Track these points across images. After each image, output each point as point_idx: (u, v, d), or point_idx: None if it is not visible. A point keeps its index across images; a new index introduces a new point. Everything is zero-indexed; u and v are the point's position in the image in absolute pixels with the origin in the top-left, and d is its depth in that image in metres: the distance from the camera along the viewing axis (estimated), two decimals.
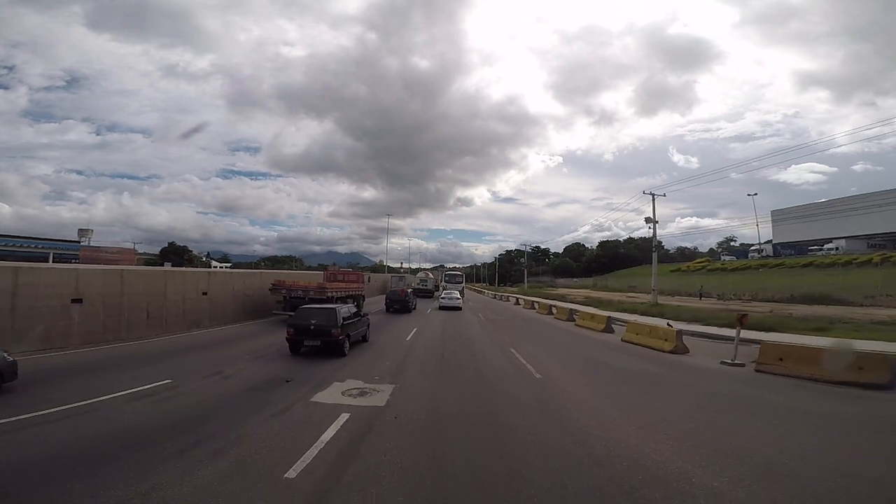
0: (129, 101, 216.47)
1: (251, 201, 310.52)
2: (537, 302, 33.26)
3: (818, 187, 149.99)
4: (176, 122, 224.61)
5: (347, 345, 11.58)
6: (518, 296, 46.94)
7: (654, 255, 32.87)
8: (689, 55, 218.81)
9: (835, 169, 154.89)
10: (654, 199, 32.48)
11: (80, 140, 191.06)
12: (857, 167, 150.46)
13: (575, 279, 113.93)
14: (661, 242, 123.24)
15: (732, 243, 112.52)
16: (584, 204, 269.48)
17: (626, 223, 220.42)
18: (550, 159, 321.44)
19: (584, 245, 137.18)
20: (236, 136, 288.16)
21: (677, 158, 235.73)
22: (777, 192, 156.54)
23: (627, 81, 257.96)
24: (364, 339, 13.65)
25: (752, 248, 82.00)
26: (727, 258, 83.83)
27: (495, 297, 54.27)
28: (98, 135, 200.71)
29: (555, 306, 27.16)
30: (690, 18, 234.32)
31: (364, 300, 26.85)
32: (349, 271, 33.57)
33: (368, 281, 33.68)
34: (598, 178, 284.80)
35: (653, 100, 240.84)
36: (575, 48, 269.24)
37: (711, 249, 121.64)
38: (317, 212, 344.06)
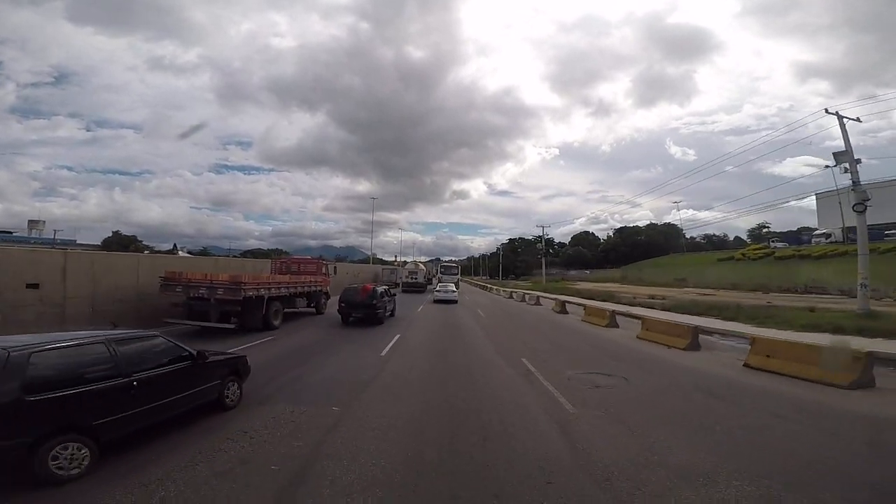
0: (119, 97, 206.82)
1: (245, 196, 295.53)
2: (642, 319, 17.45)
3: (813, 180, 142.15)
4: (166, 118, 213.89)
5: None
6: (554, 296, 31.56)
7: (861, 221, 17.66)
8: (689, 45, 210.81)
9: (830, 162, 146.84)
10: (841, 123, 17.23)
11: (70, 136, 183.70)
12: None
13: (588, 271, 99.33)
14: (683, 231, 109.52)
15: (765, 230, 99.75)
16: (580, 197, 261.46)
17: (622, 215, 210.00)
18: (547, 152, 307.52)
19: (593, 234, 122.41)
20: (228, 131, 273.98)
21: (674, 150, 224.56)
22: (771, 185, 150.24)
23: (625, 72, 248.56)
24: (225, 402, 6.08)
25: (817, 232, 67.58)
26: (779, 245, 69.91)
27: (511, 297, 38.58)
28: (88, 131, 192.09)
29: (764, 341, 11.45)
30: (690, 8, 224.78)
31: (327, 298, 20.01)
32: (307, 260, 24.77)
33: (335, 272, 24.74)
34: (593, 171, 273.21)
35: (651, 90, 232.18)
36: (572, 38, 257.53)
37: (737, 237, 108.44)
38: (311, 206, 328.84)
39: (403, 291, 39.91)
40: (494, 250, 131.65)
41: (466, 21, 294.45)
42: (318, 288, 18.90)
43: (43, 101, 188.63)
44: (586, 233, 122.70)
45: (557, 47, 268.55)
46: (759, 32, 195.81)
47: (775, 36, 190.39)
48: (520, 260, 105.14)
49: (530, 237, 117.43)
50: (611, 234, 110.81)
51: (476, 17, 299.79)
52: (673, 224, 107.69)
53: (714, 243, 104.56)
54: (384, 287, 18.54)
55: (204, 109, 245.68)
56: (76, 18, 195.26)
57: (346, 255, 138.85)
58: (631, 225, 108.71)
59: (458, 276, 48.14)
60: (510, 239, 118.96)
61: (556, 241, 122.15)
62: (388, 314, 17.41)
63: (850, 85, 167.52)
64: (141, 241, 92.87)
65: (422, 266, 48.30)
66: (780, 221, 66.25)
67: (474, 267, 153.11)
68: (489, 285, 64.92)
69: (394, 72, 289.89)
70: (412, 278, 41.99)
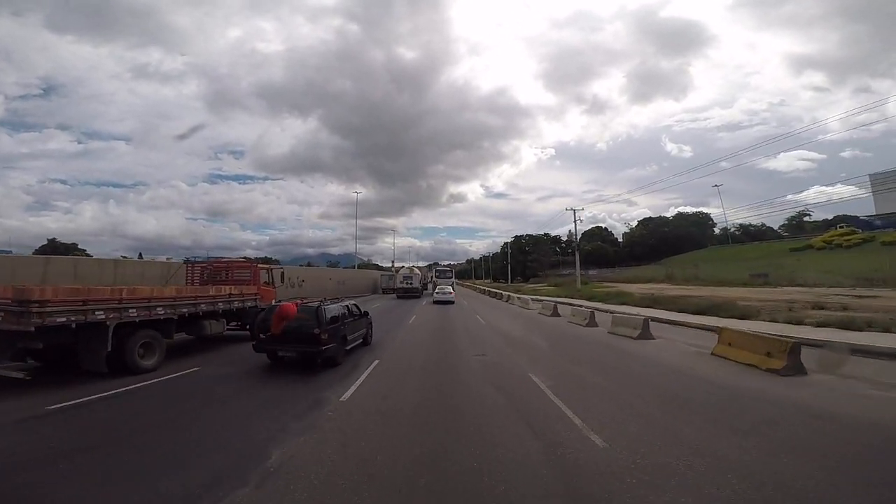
0: (108, 108, 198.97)
1: (240, 205, 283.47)
2: None
3: (808, 174, 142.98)
4: (156, 128, 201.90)
5: None
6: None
7: None
8: (682, 39, 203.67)
9: (823, 156, 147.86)
10: None
11: (61, 148, 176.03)
12: (846, 154, 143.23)
13: (610, 270, 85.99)
14: (715, 223, 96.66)
15: (806, 218, 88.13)
16: (576, 197, 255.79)
17: (620, 214, 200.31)
18: (542, 152, 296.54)
19: (606, 229, 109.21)
20: (220, 140, 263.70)
21: (670, 147, 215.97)
22: (766, 181, 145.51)
23: (619, 68, 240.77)
24: None
25: None
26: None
27: (557, 314, 23.72)
28: (79, 143, 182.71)
29: None
30: (683, 0, 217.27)
31: None
32: (237, 263, 17.28)
33: (282, 280, 17.88)
34: (589, 170, 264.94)
35: (645, 86, 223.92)
36: (564, 34, 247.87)
37: (769, 228, 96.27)
38: (307, 214, 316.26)
39: (398, 297, 39.45)
40: (494, 252, 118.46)
41: (457, 19, 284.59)
42: (251, 303, 13.54)
43: (32, 113, 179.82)
44: (600, 227, 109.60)
45: (550, 44, 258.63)
46: (753, 25, 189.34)
47: (769, 28, 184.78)
48: (530, 259, 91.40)
49: (537, 234, 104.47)
50: (631, 226, 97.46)
51: (466, 15, 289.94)
52: (706, 213, 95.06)
53: (751, 234, 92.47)
54: (344, 305, 11.23)
55: (193, 118, 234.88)
56: (55, 27, 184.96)
57: (339, 262, 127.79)
58: (656, 216, 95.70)
59: (454, 280, 51.51)
60: (516, 237, 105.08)
61: (563, 238, 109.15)
62: (353, 345, 10.91)
63: (845, 76, 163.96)
64: (85, 250, 78.47)
65: (417, 271, 45.97)
66: (881, 200, 54.36)
67: (474, 270, 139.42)
68: (501, 291, 50.49)
69: (385, 74, 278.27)
70: (407, 283, 41.47)
